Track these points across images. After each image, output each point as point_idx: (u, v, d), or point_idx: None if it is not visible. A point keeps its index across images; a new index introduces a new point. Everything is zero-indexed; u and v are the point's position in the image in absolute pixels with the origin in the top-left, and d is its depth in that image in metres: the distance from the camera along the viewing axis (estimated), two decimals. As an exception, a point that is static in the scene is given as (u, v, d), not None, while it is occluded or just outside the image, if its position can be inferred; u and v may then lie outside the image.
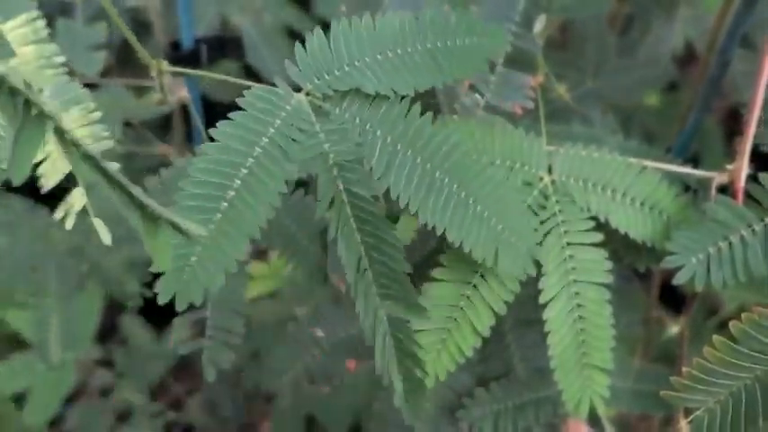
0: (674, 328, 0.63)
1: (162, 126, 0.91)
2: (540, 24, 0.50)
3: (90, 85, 0.64)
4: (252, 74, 1.01)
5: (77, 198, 0.43)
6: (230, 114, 0.38)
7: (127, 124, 0.72)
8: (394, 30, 0.43)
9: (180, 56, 0.64)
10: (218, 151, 0.37)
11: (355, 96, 0.41)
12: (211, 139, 0.37)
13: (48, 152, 0.43)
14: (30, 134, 0.25)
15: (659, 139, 0.86)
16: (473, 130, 0.48)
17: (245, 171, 0.37)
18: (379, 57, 0.42)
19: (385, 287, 0.39)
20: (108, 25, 0.67)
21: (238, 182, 0.37)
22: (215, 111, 0.72)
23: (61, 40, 0.61)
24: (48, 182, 0.42)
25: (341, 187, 0.38)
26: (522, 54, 0.50)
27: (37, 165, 0.43)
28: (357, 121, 0.40)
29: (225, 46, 0.68)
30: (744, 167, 0.51)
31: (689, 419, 0.46)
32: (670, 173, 0.53)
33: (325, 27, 1.01)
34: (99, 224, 0.40)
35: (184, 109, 0.64)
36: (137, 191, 0.26)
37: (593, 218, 0.50)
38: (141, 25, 0.91)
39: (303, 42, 0.41)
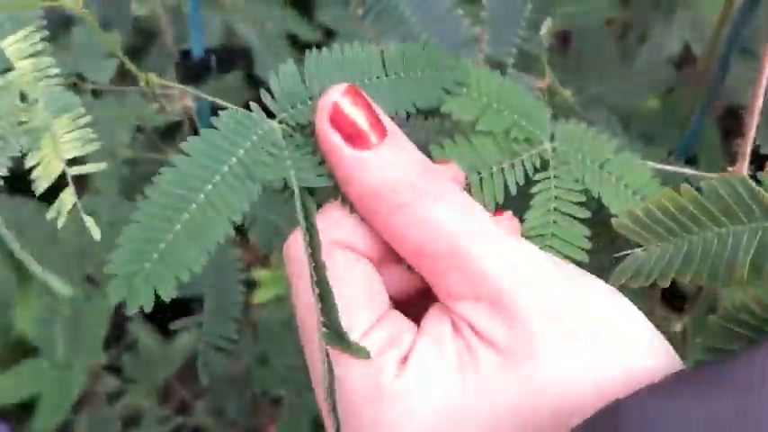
0: (677, 326, 0.64)
1: (169, 131, 0.93)
2: (546, 28, 0.52)
3: (100, 92, 0.66)
4: (254, 83, 1.03)
5: (68, 198, 0.44)
6: (202, 131, 0.39)
7: (138, 130, 0.73)
8: (360, 61, 0.44)
9: (191, 65, 0.66)
10: (186, 165, 0.38)
11: None
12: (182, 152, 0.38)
13: (41, 156, 0.45)
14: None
15: (659, 140, 0.87)
16: (485, 76, 0.49)
17: (209, 187, 0.38)
18: None
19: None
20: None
21: (202, 196, 0.38)
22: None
23: (76, 49, 0.63)
24: (41, 184, 0.43)
25: (300, 213, 0.39)
26: (529, 57, 0.52)
27: (32, 168, 0.44)
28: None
29: (234, 56, 0.69)
30: (744, 170, 0.52)
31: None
32: (673, 174, 0.54)
33: (328, 35, 1.02)
34: (89, 221, 0.42)
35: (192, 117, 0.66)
36: (16, 247, 0.27)
37: (586, 191, 0.50)
38: (148, 33, 0.92)
39: (277, 73, 0.42)
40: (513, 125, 0.49)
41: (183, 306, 0.74)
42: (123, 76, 0.68)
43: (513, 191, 0.48)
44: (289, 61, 0.42)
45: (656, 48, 0.86)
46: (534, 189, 0.49)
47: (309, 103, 0.42)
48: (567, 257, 0.49)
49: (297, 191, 0.40)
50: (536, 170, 0.49)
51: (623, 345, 0.36)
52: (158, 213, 0.37)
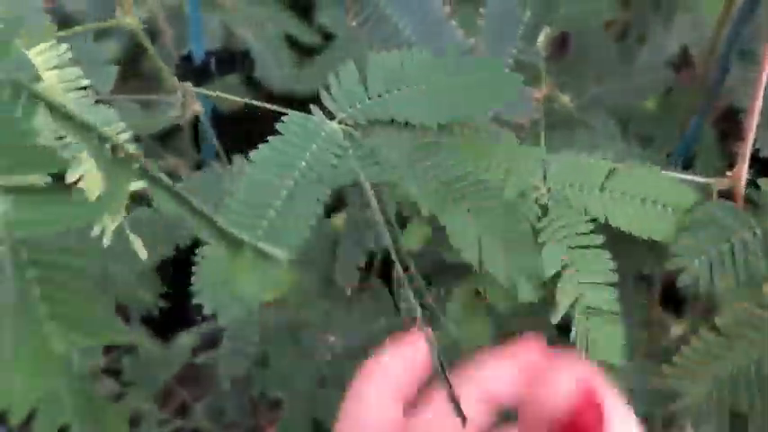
0: (676, 330, 0.64)
1: (164, 137, 0.92)
2: (543, 37, 0.52)
3: (100, 101, 0.65)
4: (253, 85, 1.02)
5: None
6: (269, 138, 0.40)
7: (135, 138, 0.73)
8: (420, 66, 0.46)
9: (191, 69, 0.65)
10: (259, 172, 0.39)
11: (383, 125, 0.44)
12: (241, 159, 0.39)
13: (87, 169, 0.44)
14: (117, 175, 0.27)
15: (657, 142, 0.87)
16: (475, 147, 0.49)
17: (285, 192, 0.39)
18: (405, 90, 0.45)
19: None
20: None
21: (278, 202, 0.39)
22: (225, 123, 0.74)
23: (74, 56, 0.62)
24: (90, 196, 0.43)
25: (375, 209, 0.40)
26: (527, 67, 0.52)
27: (75, 182, 0.44)
28: (384, 147, 0.43)
29: (234, 59, 0.69)
30: (743, 173, 0.52)
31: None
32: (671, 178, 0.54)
33: (327, 38, 1.02)
34: (137, 242, 0.42)
35: (193, 123, 0.66)
36: (218, 219, 0.28)
37: (594, 220, 0.51)
38: (148, 36, 0.92)
39: (337, 74, 0.44)
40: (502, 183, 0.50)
41: (181, 310, 0.74)
42: (122, 85, 0.68)
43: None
44: (349, 62, 0.44)
45: (656, 49, 0.86)
46: (541, 238, 0.49)
47: (368, 102, 0.43)
48: (599, 285, 0.49)
49: (368, 187, 0.40)
50: (539, 218, 0.50)
51: None
52: (237, 223, 0.38)
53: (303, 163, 0.40)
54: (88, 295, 0.28)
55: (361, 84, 0.44)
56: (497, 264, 0.45)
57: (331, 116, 0.43)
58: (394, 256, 0.39)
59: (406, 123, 0.44)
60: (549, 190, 0.51)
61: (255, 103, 0.45)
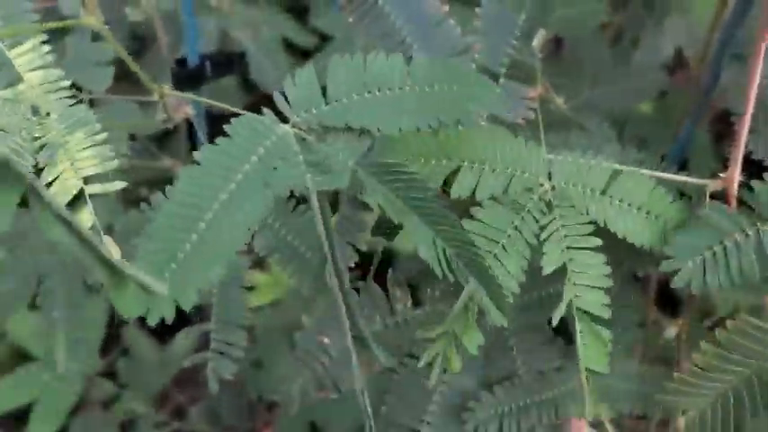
0: (671, 331, 0.65)
1: (162, 137, 0.93)
2: (538, 39, 0.52)
3: (96, 101, 0.66)
4: (251, 88, 1.02)
5: (86, 217, 0.44)
6: (216, 140, 0.39)
7: (131, 138, 0.73)
8: (384, 71, 0.44)
9: (186, 72, 0.66)
10: (200, 174, 0.37)
11: (340, 131, 0.42)
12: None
13: (58, 172, 0.44)
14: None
15: (652, 144, 0.87)
16: (475, 140, 0.49)
17: (224, 196, 0.37)
18: (367, 95, 0.43)
19: None
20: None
21: (217, 205, 0.37)
22: (219, 124, 0.74)
23: (70, 58, 0.63)
24: (60, 200, 0.43)
25: (317, 215, 0.39)
26: (522, 67, 0.52)
27: (49, 184, 0.44)
28: (340, 155, 0.41)
29: (229, 62, 0.70)
30: (736, 175, 0.52)
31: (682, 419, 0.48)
32: (666, 180, 0.54)
33: (323, 40, 1.01)
34: (110, 242, 0.42)
35: (189, 123, 0.66)
36: (104, 249, 0.27)
37: (593, 222, 0.51)
38: (143, 40, 0.92)
39: (293, 77, 0.42)
40: (509, 180, 0.50)
41: (178, 311, 0.74)
42: (119, 85, 0.69)
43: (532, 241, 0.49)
44: (307, 66, 0.42)
45: (650, 51, 0.86)
46: (543, 235, 0.50)
47: (324, 108, 0.42)
48: (594, 288, 0.50)
49: (313, 194, 0.39)
50: (543, 214, 0.50)
51: None
52: (174, 224, 0.37)
53: (247, 166, 0.38)
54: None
55: (318, 88, 0.42)
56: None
57: (286, 119, 0.41)
58: (330, 267, 0.38)
59: (362, 131, 0.42)
60: (553, 188, 0.51)
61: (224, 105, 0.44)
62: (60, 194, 0.44)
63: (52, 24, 0.46)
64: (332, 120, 0.42)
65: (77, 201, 0.45)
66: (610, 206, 0.51)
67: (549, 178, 0.51)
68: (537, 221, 0.50)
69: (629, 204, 0.52)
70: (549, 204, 0.51)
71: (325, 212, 0.39)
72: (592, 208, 0.51)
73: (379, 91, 0.44)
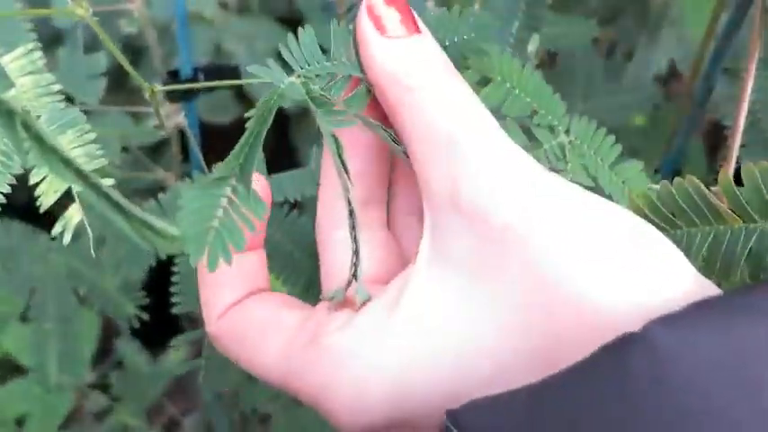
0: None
1: (155, 149, 0.93)
2: (533, 45, 0.52)
3: (88, 112, 0.66)
4: (245, 98, 1.03)
5: (74, 214, 0.44)
6: None
7: (124, 149, 0.73)
8: None
9: (179, 83, 0.65)
10: None
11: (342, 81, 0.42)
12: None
13: (45, 172, 0.45)
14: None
15: (645, 155, 0.88)
16: (506, 64, 0.48)
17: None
18: None
19: None
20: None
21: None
22: (212, 135, 0.74)
23: (62, 69, 0.63)
24: (46, 201, 0.43)
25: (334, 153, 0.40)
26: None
27: (36, 185, 0.44)
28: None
29: (222, 73, 0.70)
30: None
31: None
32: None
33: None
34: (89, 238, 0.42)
35: (181, 133, 0.66)
36: (123, 200, 0.28)
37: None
38: (136, 52, 0.93)
39: (296, 35, 0.42)
40: (535, 112, 0.49)
41: (172, 323, 0.74)
42: (110, 97, 0.69)
43: None
44: (307, 26, 0.43)
45: (643, 65, 0.87)
46: None
47: (328, 63, 0.42)
48: None
49: (327, 134, 0.40)
50: (558, 160, 0.49)
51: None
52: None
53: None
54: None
55: (318, 48, 0.42)
56: None
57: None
58: (348, 211, 0.39)
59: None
60: (570, 141, 0.50)
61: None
62: (48, 194, 0.44)
63: (42, 11, 0.46)
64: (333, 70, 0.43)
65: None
66: (614, 184, 0.50)
67: (568, 133, 0.50)
68: (550, 163, 0.49)
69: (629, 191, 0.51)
70: (564, 154, 0.50)
71: (340, 146, 0.40)
72: (600, 176, 0.50)
73: None
